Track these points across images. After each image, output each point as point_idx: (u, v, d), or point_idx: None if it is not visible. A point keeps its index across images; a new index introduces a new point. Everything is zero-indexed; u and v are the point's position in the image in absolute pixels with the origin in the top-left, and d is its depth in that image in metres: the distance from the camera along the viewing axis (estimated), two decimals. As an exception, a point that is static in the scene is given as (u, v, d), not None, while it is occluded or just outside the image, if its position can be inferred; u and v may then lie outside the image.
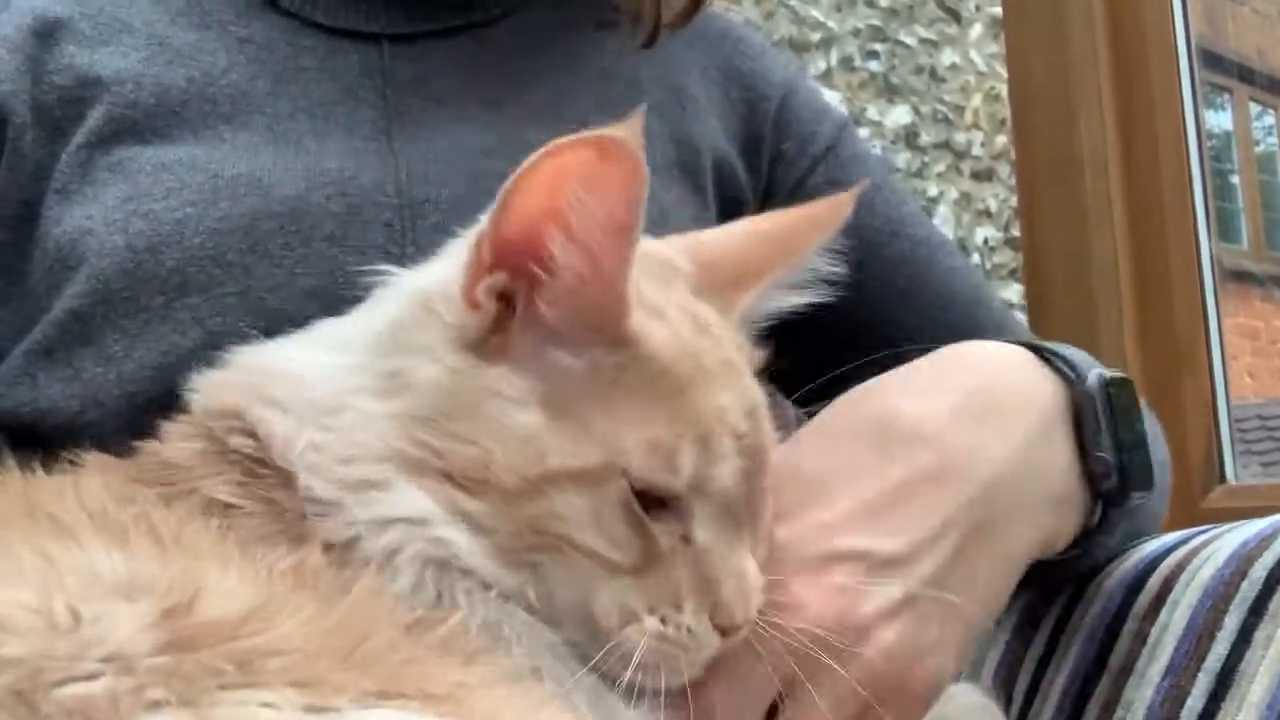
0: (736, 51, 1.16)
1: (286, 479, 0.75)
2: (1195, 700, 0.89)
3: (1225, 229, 2.88)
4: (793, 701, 0.78)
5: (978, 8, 2.11)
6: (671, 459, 0.74)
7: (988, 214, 2.08)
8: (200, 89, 1.00)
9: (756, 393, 0.80)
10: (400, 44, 1.05)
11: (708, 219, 1.06)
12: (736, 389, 0.78)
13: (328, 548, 0.73)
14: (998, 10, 2.08)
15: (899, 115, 2.08)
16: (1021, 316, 1.94)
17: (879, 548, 0.80)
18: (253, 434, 0.77)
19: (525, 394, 0.74)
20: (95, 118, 0.98)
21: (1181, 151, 1.86)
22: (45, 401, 0.92)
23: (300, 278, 0.93)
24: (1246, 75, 2.95)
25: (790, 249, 0.85)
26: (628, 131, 0.70)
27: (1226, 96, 3.04)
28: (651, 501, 0.74)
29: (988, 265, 2.04)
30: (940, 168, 2.08)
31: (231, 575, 0.65)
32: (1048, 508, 0.87)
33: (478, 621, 0.73)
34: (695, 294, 0.81)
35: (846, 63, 2.06)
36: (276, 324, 0.87)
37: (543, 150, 0.71)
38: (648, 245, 0.78)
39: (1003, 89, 2.07)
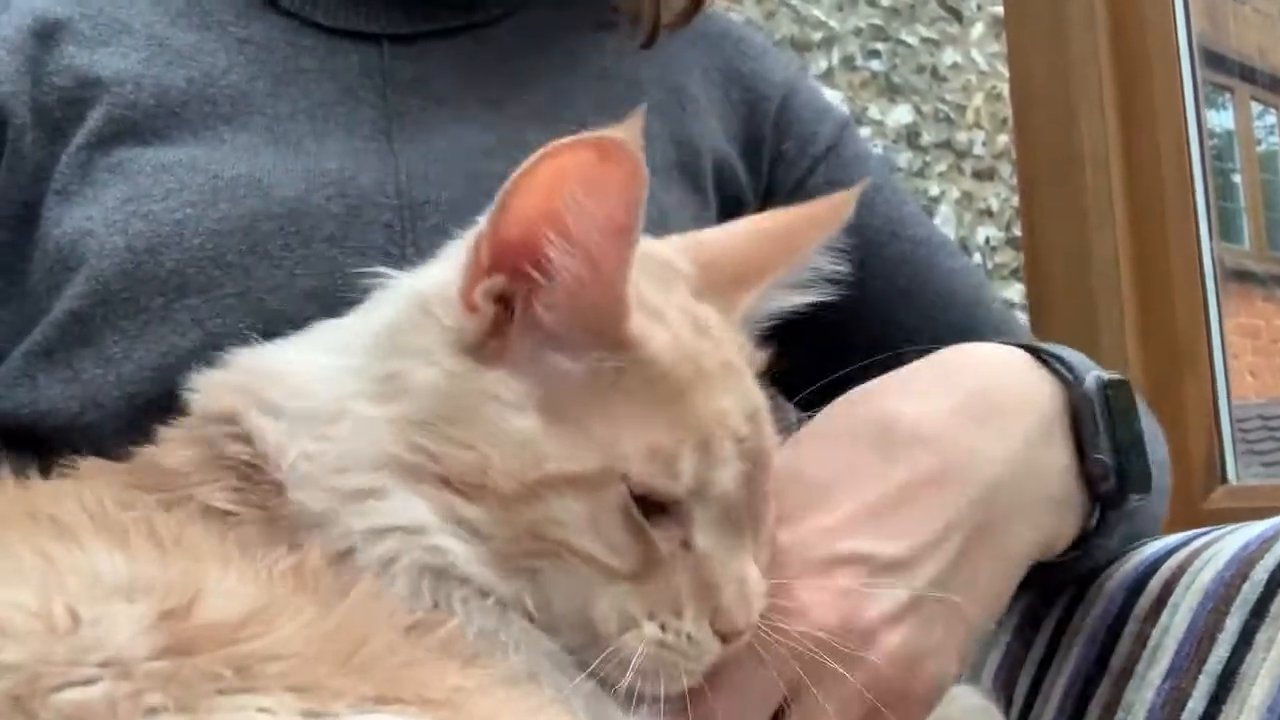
0: (737, 52, 1.16)
1: (281, 487, 0.75)
2: (1196, 703, 0.89)
3: (1227, 228, 2.87)
4: (798, 706, 0.78)
5: (979, 7, 2.11)
6: (671, 464, 0.73)
7: (989, 213, 2.08)
8: (200, 90, 1.00)
9: (758, 395, 0.79)
10: (400, 44, 1.05)
11: (708, 220, 1.06)
12: (738, 392, 0.77)
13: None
14: (999, 9, 2.08)
15: (900, 114, 2.08)
16: (1023, 316, 1.93)
17: (882, 551, 0.80)
18: (248, 439, 0.76)
19: (523, 398, 0.73)
20: (95, 119, 0.98)
21: (1183, 151, 1.86)
22: (45, 403, 0.92)
23: (300, 279, 0.93)
24: (1248, 74, 2.94)
25: (792, 248, 0.85)
26: (627, 132, 0.69)
27: (1228, 96, 3.03)
28: (651, 506, 0.73)
29: (989, 265, 2.04)
30: (942, 167, 2.08)
31: (232, 577, 0.65)
32: (1047, 509, 0.86)
33: (474, 630, 0.72)
34: (696, 295, 0.80)
35: (848, 62, 2.06)
36: (276, 325, 0.87)
37: (541, 152, 0.70)
38: (647, 246, 0.78)
39: (1004, 88, 2.07)
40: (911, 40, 2.10)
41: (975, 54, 2.11)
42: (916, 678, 0.80)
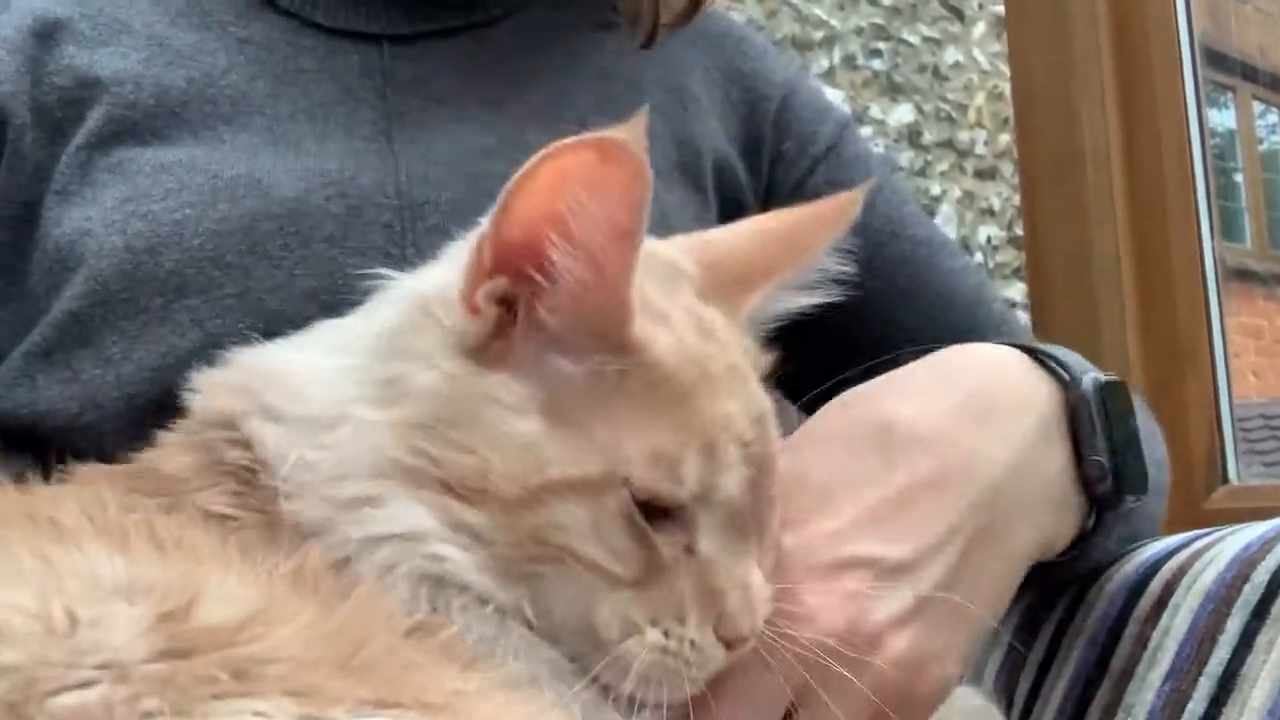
0: (738, 52, 1.16)
1: (279, 492, 0.74)
2: (1196, 704, 0.89)
3: (1228, 228, 2.87)
4: (805, 712, 0.77)
5: (980, 6, 2.11)
6: (675, 468, 0.72)
7: (991, 213, 2.08)
8: (200, 90, 1.00)
9: (763, 399, 0.78)
10: (400, 44, 1.04)
11: (709, 220, 1.06)
12: (742, 395, 0.76)
13: None
14: (1000, 8, 2.07)
15: (902, 114, 2.08)
16: (1024, 315, 1.93)
17: (888, 554, 0.80)
18: (247, 444, 0.76)
19: (525, 401, 0.73)
20: (95, 119, 0.98)
21: (1184, 150, 1.85)
22: (44, 403, 0.92)
23: (299, 279, 0.92)
24: (1250, 73, 2.94)
25: (798, 249, 0.84)
26: (630, 133, 0.69)
27: (1230, 95, 3.03)
28: (654, 511, 0.72)
29: (991, 264, 2.04)
30: (943, 166, 2.08)
31: (232, 579, 0.64)
32: (1047, 509, 0.86)
33: (473, 638, 0.71)
34: (700, 296, 0.79)
35: (849, 61, 2.06)
36: (275, 325, 0.87)
37: (542, 153, 0.70)
38: (651, 246, 0.77)
39: (1006, 87, 2.07)
40: (913, 39, 2.10)
41: (977, 53, 2.11)
42: (922, 680, 0.80)
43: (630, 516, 0.72)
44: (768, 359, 0.82)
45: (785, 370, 0.84)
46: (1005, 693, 1.05)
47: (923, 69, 2.09)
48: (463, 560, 0.72)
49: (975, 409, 0.84)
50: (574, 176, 0.70)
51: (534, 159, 0.70)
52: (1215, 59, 2.39)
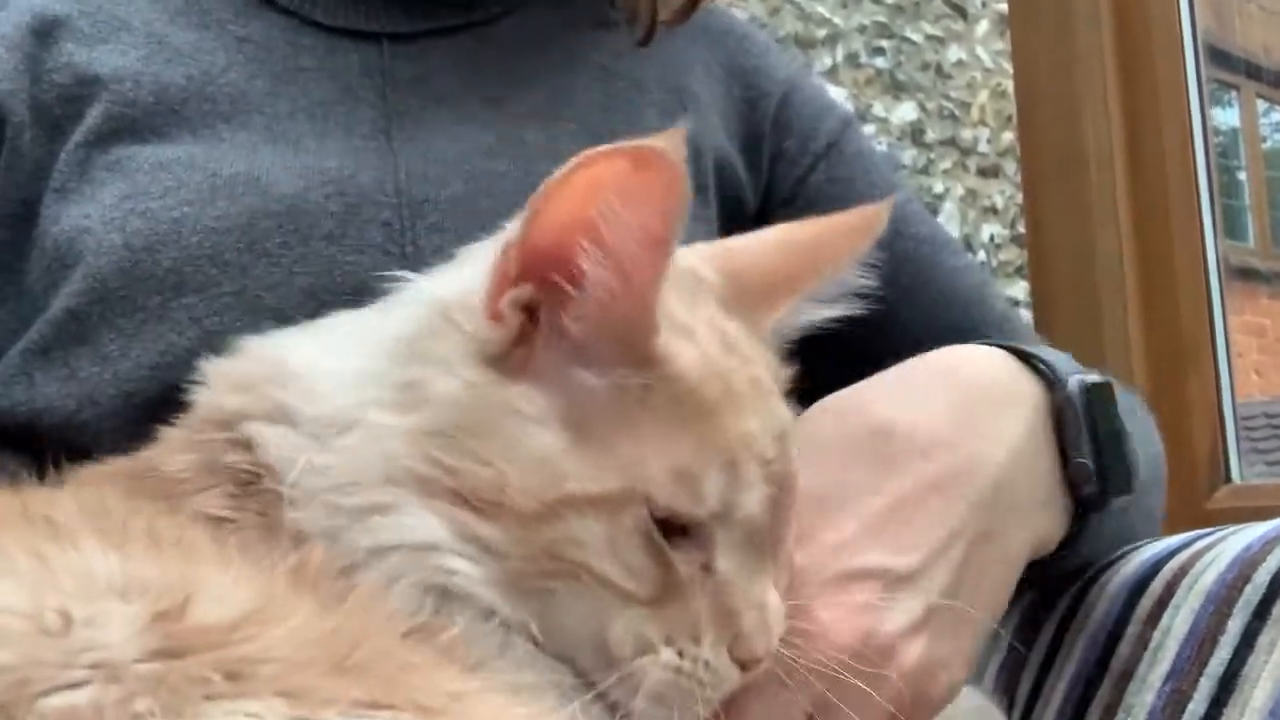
0: (740, 48, 1.16)
1: (282, 497, 0.73)
2: (1197, 705, 0.89)
3: (1231, 226, 2.86)
4: None
5: (983, 4, 2.11)
6: (696, 486, 0.71)
7: (993, 211, 2.07)
8: (199, 88, 0.99)
9: (785, 415, 0.77)
10: (400, 43, 1.04)
11: (708, 218, 1.05)
12: (764, 412, 0.75)
13: None
14: (1003, 6, 2.07)
15: (905, 112, 2.08)
16: (1027, 313, 1.93)
17: (895, 564, 0.79)
18: (248, 446, 0.75)
19: (545, 413, 0.71)
20: (94, 116, 0.98)
21: (1187, 148, 1.85)
22: (42, 401, 0.92)
23: (298, 277, 0.92)
24: (1253, 72, 2.94)
25: (822, 261, 0.83)
26: (668, 142, 0.67)
27: (1233, 93, 3.03)
28: (672, 528, 0.71)
29: (993, 262, 2.04)
30: (946, 164, 2.07)
31: (229, 577, 0.64)
32: (1040, 508, 0.87)
33: (476, 649, 0.70)
34: (722, 306, 0.78)
35: (852, 59, 2.06)
36: (274, 323, 0.86)
37: (577, 159, 0.68)
38: (673, 255, 0.75)
39: (1009, 85, 2.07)
40: (916, 37, 2.09)
41: (980, 51, 2.10)
42: (933, 687, 0.80)
43: (648, 534, 0.70)
44: (788, 373, 0.81)
45: (806, 386, 0.83)
46: (1006, 693, 1.04)
47: (926, 67, 2.09)
48: (473, 574, 0.70)
49: (968, 411, 0.84)
50: (608, 184, 0.68)
51: (567, 165, 0.68)
52: (1219, 57, 2.39)
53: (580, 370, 0.72)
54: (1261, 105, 3.28)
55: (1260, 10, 2.75)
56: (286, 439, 0.74)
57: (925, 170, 2.06)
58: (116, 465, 0.79)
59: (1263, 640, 0.87)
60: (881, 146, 2.01)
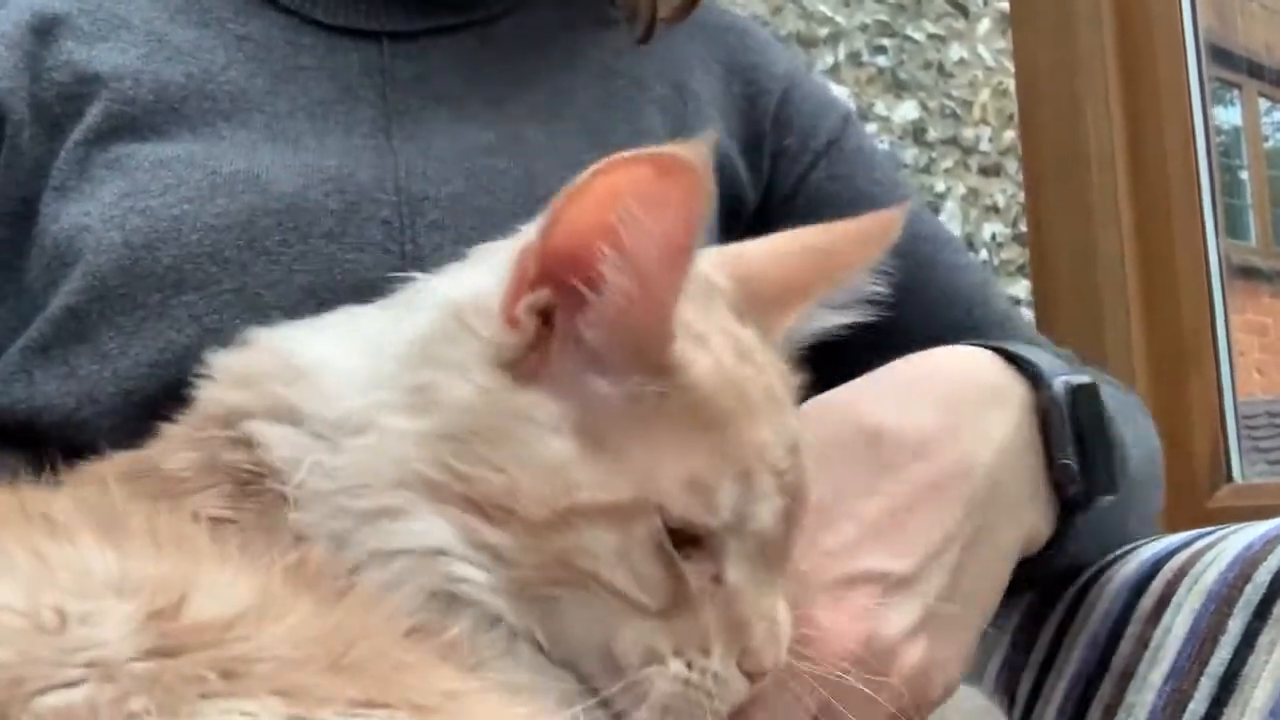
0: (740, 45, 1.16)
1: (283, 499, 0.72)
2: (1198, 704, 0.89)
3: (1233, 225, 2.86)
4: None
5: (985, 3, 2.10)
6: (710, 497, 0.70)
7: (995, 210, 2.07)
8: (199, 86, 0.99)
9: (797, 425, 0.76)
10: (400, 42, 1.04)
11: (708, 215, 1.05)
12: (778, 422, 0.74)
13: None
14: (1005, 5, 2.07)
15: (906, 111, 2.07)
16: (1028, 312, 1.93)
17: (893, 568, 0.80)
18: (249, 445, 0.74)
19: (559, 420, 0.70)
20: (94, 114, 0.98)
21: (1189, 147, 1.85)
22: (41, 399, 0.92)
23: (298, 275, 0.92)
24: (1255, 70, 2.94)
25: (836, 268, 0.82)
26: (692, 150, 0.66)
27: (1235, 91, 3.03)
28: (683, 539, 0.70)
29: (995, 261, 2.04)
30: (948, 163, 2.07)
31: (226, 574, 0.64)
32: (1027, 507, 0.87)
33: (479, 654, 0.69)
34: (734, 311, 0.77)
35: (854, 58, 2.06)
36: (273, 321, 0.86)
37: (599, 164, 0.67)
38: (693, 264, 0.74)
39: (1010, 84, 2.06)
40: (918, 36, 2.09)
41: (981, 50, 2.10)
42: (931, 687, 0.81)
43: (660, 545, 0.69)
44: (799, 381, 0.80)
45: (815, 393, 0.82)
46: (1007, 692, 1.05)
47: (927, 66, 2.09)
48: (482, 581, 0.69)
49: (954, 411, 0.84)
50: (631, 190, 0.67)
51: (590, 170, 0.67)
52: (1220, 56, 2.39)
53: (595, 377, 0.71)
54: (1264, 104, 3.27)
55: (1262, 9, 2.74)
56: (290, 438, 0.73)
57: (927, 169, 2.06)
58: (117, 461, 0.79)
59: (1263, 640, 0.87)
60: (883, 145, 2.00)
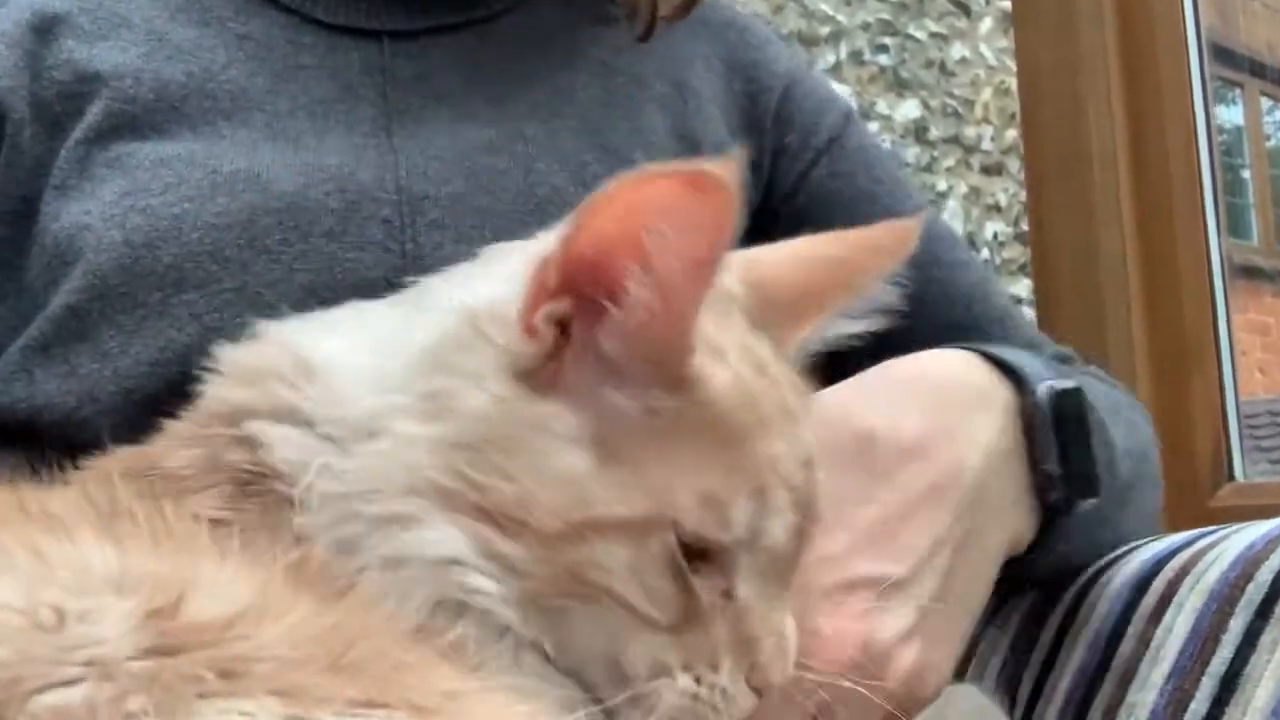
0: (741, 42, 1.15)
1: (286, 500, 0.71)
2: (1199, 704, 0.89)
3: (1235, 224, 2.87)
4: None
5: (987, 1, 2.10)
6: (724, 513, 0.70)
7: (997, 208, 2.07)
8: (199, 85, 0.99)
9: (810, 440, 0.75)
10: (401, 41, 1.04)
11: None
12: (792, 437, 0.73)
13: None
14: (1007, 4, 2.07)
15: (908, 109, 2.07)
16: (1030, 311, 1.93)
17: (889, 572, 0.80)
18: (251, 445, 0.73)
19: (575, 432, 0.69)
20: (94, 113, 0.98)
21: (1191, 146, 1.85)
22: (42, 398, 0.92)
23: (298, 274, 0.92)
24: (1258, 69, 2.94)
25: (853, 278, 0.81)
26: (724, 167, 0.65)
27: (1237, 91, 3.03)
28: (694, 553, 0.70)
29: (996, 260, 2.03)
30: (950, 162, 2.07)
31: (227, 572, 0.63)
32: (1011, 509, 0.88)
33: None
34: (748, 319, 0.76)
35: (856, 57, 2.05)
36: (273, 320, 0.86)
37: (626, 176, 0.66)
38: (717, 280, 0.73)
39: (1012, 83, 2.06)
40: (919, 35, 2.09)
41: (983, 49, 2.10)
42: (924, 688, 0.82)
43: (672, 559, 0.69)
44: (811, 391, 0.79)
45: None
46: (1008, 692, 1.04)
47: (929, 64, 2.08)
48: (494, 592, 0.69)
49: (941, 415, 0.85)
50: (658, 204, 0.66)
51: (616, 181, 0.66)
52: (1223, 55, 2.39)
53: (612, 390, 0.70)
54: (1266, 103, 3.28)
55: (1264, 8, 2.74)
56: (295, 440, 0.73)
57: (928, 168, 2.06)
58: (120, 456, 0.78)
59: (1265, 639, 0.87)
60: (885, 144, 2.00)
